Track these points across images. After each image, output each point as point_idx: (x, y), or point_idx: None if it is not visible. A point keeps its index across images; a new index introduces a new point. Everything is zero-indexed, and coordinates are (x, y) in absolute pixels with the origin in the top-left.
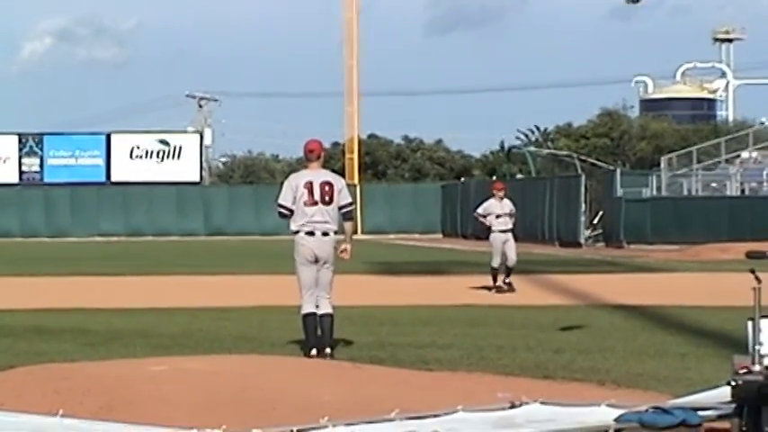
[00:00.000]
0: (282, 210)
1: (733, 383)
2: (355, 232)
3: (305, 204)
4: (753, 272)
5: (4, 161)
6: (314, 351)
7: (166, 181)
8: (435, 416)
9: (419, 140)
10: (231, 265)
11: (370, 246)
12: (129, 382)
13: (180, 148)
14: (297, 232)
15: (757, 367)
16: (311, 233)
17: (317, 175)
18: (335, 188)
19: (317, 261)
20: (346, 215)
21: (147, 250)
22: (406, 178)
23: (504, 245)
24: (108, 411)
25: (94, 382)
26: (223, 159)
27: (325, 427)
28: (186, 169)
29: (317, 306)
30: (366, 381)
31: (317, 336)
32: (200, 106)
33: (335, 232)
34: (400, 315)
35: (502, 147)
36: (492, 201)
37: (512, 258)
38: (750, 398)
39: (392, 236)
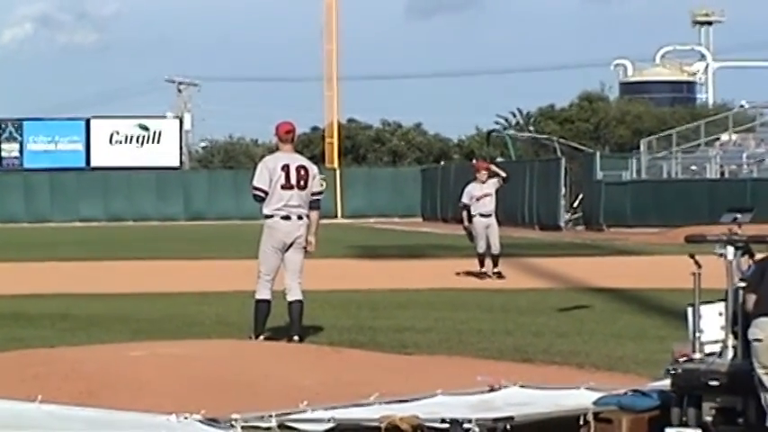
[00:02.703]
0: (258, 192)
1: (672, 371)
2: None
3: (281, 188)
4: (692, 256)
5: None
6: (261, 338)
7: (146, 166)
8: (415, 399)
9: (397, 124)
10: (211, 249)
11: (350, 230)
12: (109, 367)
13: (160, 133)
14: (270, 216)
15: (698, 355)
16: (287, 217)
17: (292, 158)
18: (310, 174)
19: (286, 247)
20: (314, 203)
21: (128, 235)
22: (384, 162)
23: (486, 230)
24: (88, 396)
25: (74, 367)
26: (203, 144)
27: (305, 411)
28: (166, 154)
29: (287, 292)
30: (346, 365)
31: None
32: (180, 91)
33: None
34: (380, 299)
35: (478, 130)
36: (473, 185)
37: (495, 245)
38: (690, 387)
39: (372, 220)
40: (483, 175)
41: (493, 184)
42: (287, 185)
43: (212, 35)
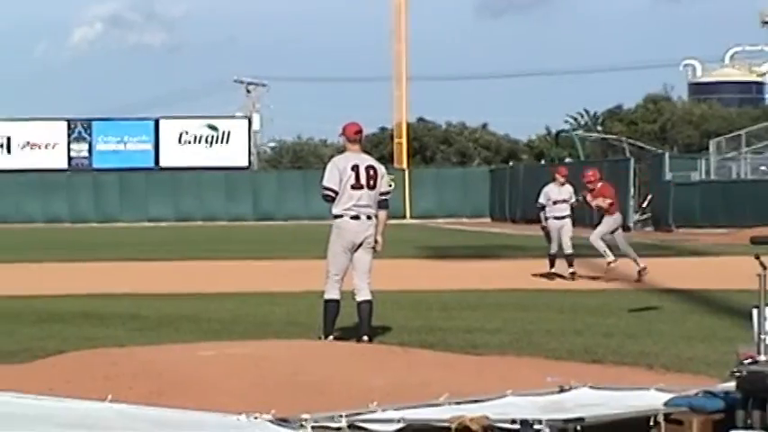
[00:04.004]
0: (329, 192)
1: (737, 374)
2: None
3: (351, 188)
4: (758, 257)
5: (53, 147)
6: (331, 338)
7: (215, 166)
8: (485, 400)
9: (463, 124)
10: (280, 250)
11: (419, 230)
12: (179, 367)
13: (228, 133)
14: (340, 216)
15: (763, 357)
16: (356, 217)
17: (361, 158)
18: (379, 173)
19: (355, 247)
20: (383, 203)
21: (197, 235)
22: (452, 162)
23: (559, 231)
24: (158, 396)
25: (144, 367)
26: (272, 144)
27: (375, 411)
28: (235, 154)
29: (356, 292)
30: (415, 365)
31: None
32: (249, 91)
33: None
34: (449, 299)
35: (548, 131)
36: (551, 186)
37: (567, 245)
38: (755, 389)
39: (441, 220)
40: (561, 179)
41: (568, 192)
42: (357, 185)
43: (281, 35)
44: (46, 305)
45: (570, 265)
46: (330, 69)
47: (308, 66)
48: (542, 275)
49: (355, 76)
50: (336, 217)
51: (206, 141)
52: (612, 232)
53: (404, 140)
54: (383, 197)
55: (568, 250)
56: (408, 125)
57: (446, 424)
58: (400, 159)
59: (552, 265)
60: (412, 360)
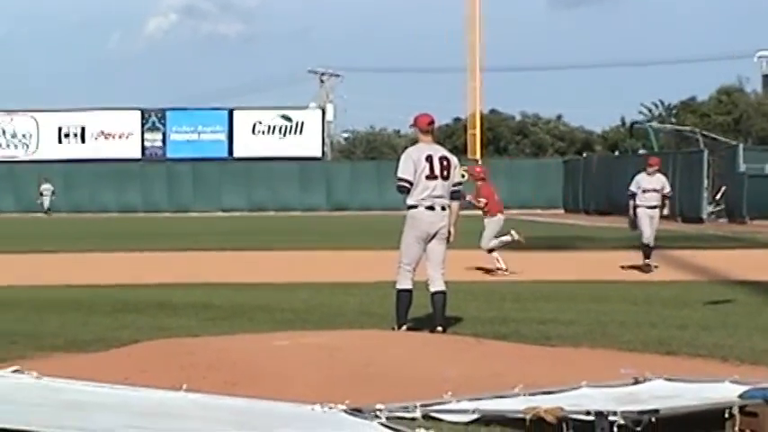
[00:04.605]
0: (404, 183)
1: None
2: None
3: (426, 178)
4: None
5: (128, 137)
6: (404, 328)
7: (289, 156)
8: (558, 392)
9: (537, 115)
10: (353, 240)
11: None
12: (253, 357)
13: (302, 123)
14: (414, 206)
15: None
16: (431, 207)
17: (434, 149)
18: (452, 164)
19: (429, 237)
20: (455, 194)
21: (270, 226)
22: (526, 153)
23: (651, 220)
24: (232, 386)
25: (218, 356)
26: (345, 135)
27: (449, 401)
28: (308, 145)
29: (430, 283)
30: (489, 356)
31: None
32: (323, 82)
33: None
34: (523, 290)
35: (623, 122)
36: (642, 174)
37: (648, 235)
38: None
39: (514, 211)
40: (653, 169)
41: (660, 181)
42: (431, 176)
43: (355, 26)
44: (120, 295)
45: (647, 256)
46: (404, 60)
47: (382, 56)
48: (636, 267)
49: (429, 67)
50: (411, 207)
51: (280, 132)
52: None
53: (477, 131)
54: (456, 188)
55: (646, 240)
56: (482, 116)
57: (520, 415)
58: (474, 150)
59: (647, 257)
60: (486, 351)
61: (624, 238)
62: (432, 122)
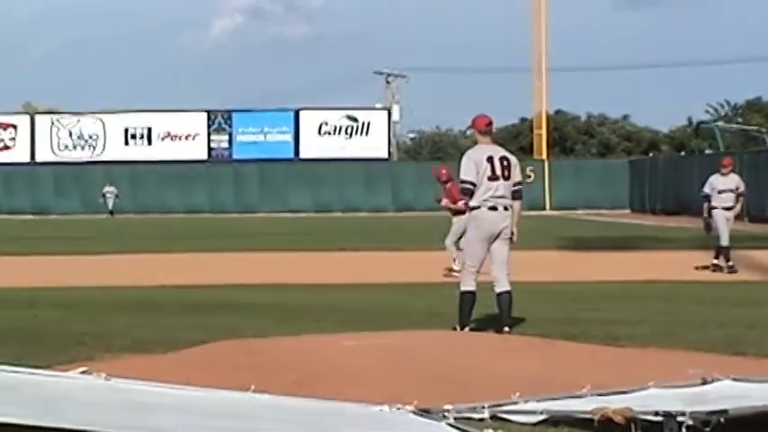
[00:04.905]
0: (468, 186)
1: None
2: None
3: (488, 179)
4: None
5: (194, 138)
6: (467, 329)
7: (355, 157)
8: (627, 392)
9: (603, 115)
10: (420, 240)
11: (558, 221)
12: (321, 357)
13: (368, 124)
14: (477, 207)
15: None
16: (494, 208)
17: (494, 150)
18: (512, 164)
19: (493, 237)
20: (517, 194)
21: (336, 226)
22: (593, 153)
23: (726, 223)
24: (299, 387)
25: (286, 357)
26: (411, 135)
27: (517, 402)
28: (375, 145)
29: (495, 283)
30: (557, 356)
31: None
32: (388, 82)
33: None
34: (590, 291)
35: (689, 122)
36: (716, 176)
37: (724, 236)
38: None
39: (580, 211)
40: (727, 169)
41: (734, 181)
42: (493, 177)
43: (420, 26)
44: (187, 296)
45: (717, 257)
46: (469, 60)
47: (448, 57)
48: (707, 267)
49: (495, 67)
50: (473, 209)
51: (346, 132)
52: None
53: (543, 131)
54: (517, 187)
55: (725, 243)
56: (548, 116)
57: (589, 416)
58: (540, 150)
59: (728, 259)
60: (553, 351)
61: (690, 239)
62: (490, 123)
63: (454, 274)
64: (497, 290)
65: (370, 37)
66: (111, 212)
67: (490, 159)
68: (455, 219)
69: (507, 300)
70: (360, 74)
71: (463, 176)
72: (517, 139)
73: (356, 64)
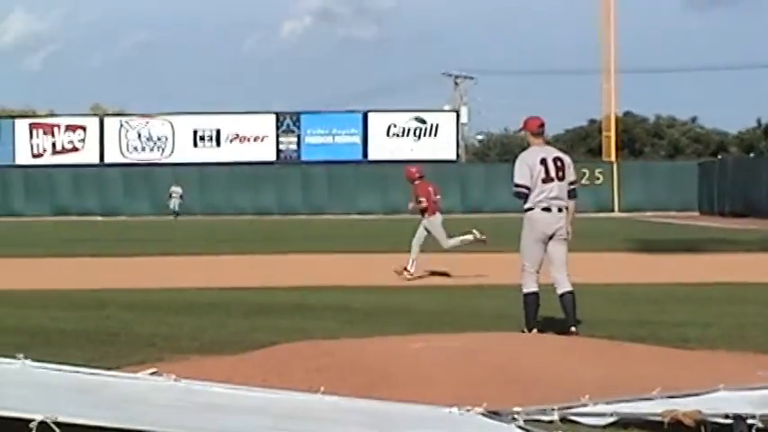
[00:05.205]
0: (522, 189)
1: None
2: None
3: (542, 181)
4: None
5: (262, 139)
6: (534, 331)
7: (423, 159)
8: (696, 394)
9: (671, 117)
10: (489, 242)
11: (627, 223)
12: (390, 359)
13: (436, 126)
14: (531, 209)
15: None
16: (548, 209)
17: (547, 151)
18: (566, 164)
19: (547, 239)
20: (571, 193)
21: (405, 228)
22: (662, 155)
23: None
24: (369, 389)
25: (356, 359)
26: (479, 137)
27: (587, 404)
28: (443, 147)
29: (556, 285)
30: (626, 358)
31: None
32: (457, 84)
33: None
34: (659, 293)
35: (759, 123)
36: None
37: None
38: None
39: (648, 213)
40: None
41: None
42: (547, 178)
43: (489, 28)
44: (256, 297)
45: None
46: (538, 62)
47: (516, 58)
48: None
49: (563, 69)
50: (527, 210)
51: (414, 134)
52: (428, 232)
53: (612, 133)
54: (572, 187)
55: None
56: (617, 118)
57: (658, 418)
58: (608, 152)
59: None
60: (622, 353)
61: (759, 241)
62: (542, 125)
63: (407, 273)
64: (559, 291)
65: (439, 39)
66: (177, 213)
67: (543, 161)
68: (425, 221)
69: (571, 300)
70: (428, 75)
71: (517, 180)
72: (586, 141)
73: (424, 65)
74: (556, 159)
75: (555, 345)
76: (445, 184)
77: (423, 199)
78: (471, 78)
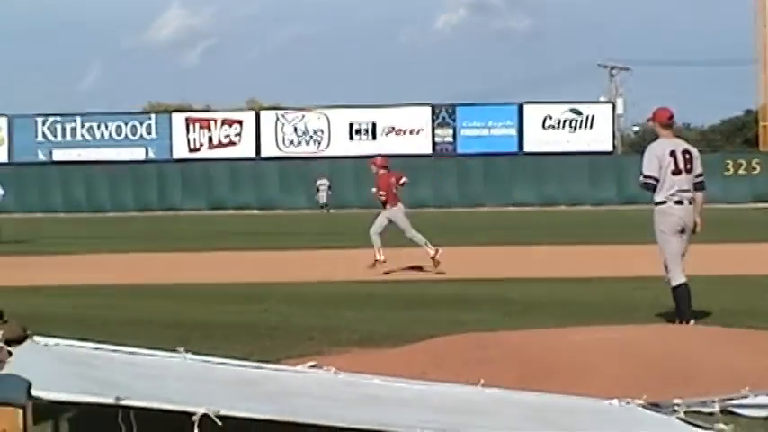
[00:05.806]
0: (650, 181)
1: None
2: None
3: (672, 174)
4: None
5: (418, 132)
6: (692, 322)
7: (579, 151)
8: None
9: None
10: (647, 234)
11: None
12: (550, 351)
13: (592, 117)
14: (663, 202)
15: None
16: (680, 202)
17: (675, 143)
18: (694, 156)
19: (682, 231)
20: (698, 185)
21: (560, 220)
22: None
23: None
24: (529, 381)
25: (515, 351)
26: (635, 128)
27: (747, 396)
28: (598, 139)
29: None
30: None
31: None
32: (612, 75)
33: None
34: None
35: None
36: None
37: None
38: None
39: None
40: None
41: None
42: (676, 171)
43: (644, 19)
44: (415, 289)
45: None
46: (693, 52)
47: (671, 49)
48: None
49: (719, 59)
50: (659, 204)
51: (570, 126)
52: (390, 222)
53: None
54: (698, 179)
55: None
56: None
57: None
58: (765, 142)
59: None
60: None
61: None
62: (671, 117)
63: (378, 264)
64: (673, 283)
65: (594, 30)
66: (325, 206)
67: (673, 153)
68: (387, 213)
69: (685, 292)
70: (583, 67)
71: (645, 171)
72: (742, 131)
73: (579, 57)
74: (684, 152)
75: (713, 336)
76: (601, 176)
77: (383, 192)
78: (627, 69)
